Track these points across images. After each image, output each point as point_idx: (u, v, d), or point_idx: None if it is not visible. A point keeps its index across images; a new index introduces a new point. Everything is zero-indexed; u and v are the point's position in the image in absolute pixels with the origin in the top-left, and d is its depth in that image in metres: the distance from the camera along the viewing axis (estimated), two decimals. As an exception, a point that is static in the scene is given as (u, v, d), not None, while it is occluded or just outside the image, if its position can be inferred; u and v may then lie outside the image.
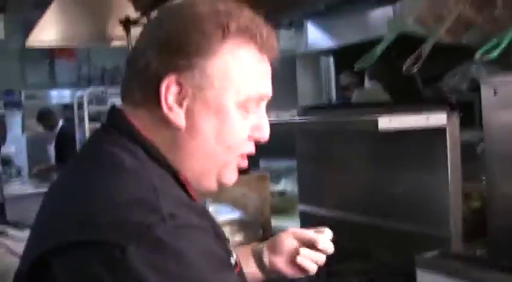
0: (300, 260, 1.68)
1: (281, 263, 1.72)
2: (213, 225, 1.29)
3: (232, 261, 1.33)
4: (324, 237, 1.71)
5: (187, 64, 1.28)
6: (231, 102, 1.31)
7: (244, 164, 1.41)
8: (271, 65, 1.40)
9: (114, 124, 1.36)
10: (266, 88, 1.37)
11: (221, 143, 1.32)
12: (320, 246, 1.69)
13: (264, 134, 1.39)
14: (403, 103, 2.71)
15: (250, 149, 1.39)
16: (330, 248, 1.71)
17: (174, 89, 1.28)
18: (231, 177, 1.39)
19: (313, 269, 1.71)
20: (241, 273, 1.39)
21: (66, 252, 1.12)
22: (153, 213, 1.11)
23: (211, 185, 1.38)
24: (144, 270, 1.06)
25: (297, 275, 1.74)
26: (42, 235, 1.23)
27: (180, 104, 1.29)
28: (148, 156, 1.30)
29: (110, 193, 1.17)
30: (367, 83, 5.92)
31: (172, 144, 1.32)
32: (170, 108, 1.29)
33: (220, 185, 1.39)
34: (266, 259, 1.73)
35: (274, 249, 1.73)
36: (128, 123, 1.33)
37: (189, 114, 1.30)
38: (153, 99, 1.29)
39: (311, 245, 1.70)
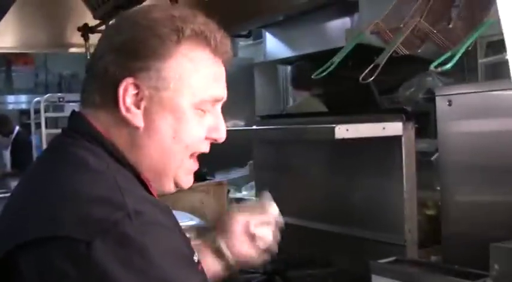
0: (253, 229, 1.74)
1: (238, 244, 1.75)
2: (177, 223, 1.32)
3: (196, 258, 1.35)
4: (269, 204, 1.81)
5: (143, 67, 1.32)
6: (186, 103, 1.36)
7: (196, 166, 1.45)
8: (226, 70, 1.46)
9: (75, 128, 1.40)
10: (221, 90, 1.43)
11: (178, 142, 1.37)
12: (270, 212, 1.79)
13: (221, 134, 1.44)
14: (360, 112, 2.73)
15: (206, 148, 1.44)
16: (276, 211, 1.82)
17: (131, 91, 1.33)
18: (186, 180, 1.44)
19: (269, 237, 1.77)
20: (203, 271, 1.40)
21: (33, 248, 1.14)
22: (119, 210, 1.14)
23: (169, 186, 1.43)
24: (109, 264, 1.08)
25: (257, 254, 1.77)
26: (7, 233, 1.23)
27: (138, 105, 1.34)
28: (110, 157, 1.33)
29: (75, 190, 1.20)
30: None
31: (132, 145, 1.36)
32: (128, 110, 1.34)
33: (177, 187, 1.44)
34: (223, 245, 1.75)
35: (224, 231, 1.77)
36: (89, 126, 1.37)
37: (146, 115, 1.34)
38: (112, 102, 1.34)
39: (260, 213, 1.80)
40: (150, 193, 1.38)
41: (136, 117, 1.34)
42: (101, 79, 1.36)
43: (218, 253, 1.75)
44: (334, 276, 2.61)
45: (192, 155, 1.42)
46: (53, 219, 1.16)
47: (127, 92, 1.33)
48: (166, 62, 1.33)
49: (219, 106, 1.45)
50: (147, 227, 1.15)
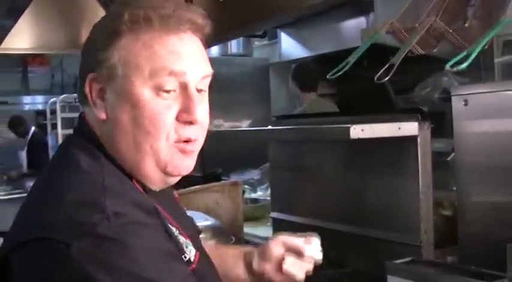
0: (285, 267, 1.70)
1: (269, 269, 1.73)
2: (163, 223, 1.32)
3: (187, 257, 1.35)
4: (311, 247, 1.73)
5: (96, 61, 1.36)
6: (140, 87, 1.33)
7: (188, 148, 1.39)
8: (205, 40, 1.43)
9: (77, 127, 1.45)
10: (177, 64, 1.34)
11: (138, 128, 1.33)
12: (306, 254, 1.71)
13: (192, 115, 1.35)
14: (375, 112, 2.72)
15: (183, 133, 1.37)
16: (317, 256, 1.73)
17: (94, 86, 1.36)
18: (176, 164, 1.38)
19: (299, 276, 1.72)
20: (198, 271, 1.39)
21: (22, 249, 1.20)
22: (98, 213, 1.17)
23: (156, 175, 1.39)
24: (87, 266, 1.11)
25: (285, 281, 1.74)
26: (9, 234, 1.29)
27: (102, 99, 1.36)
28: (105, 155, 1.36)
29: (62, 193, 1.24)
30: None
31: (108, 140, 1.38)
32: (95, 104, 1.37)
33: (169, 175, 1.40)
34: (255, 263, 1.74)
35: (263, 256, 1.75)
36: (86, 125, 1.41)
37: (108, 107, 1.36)
38: (86, 99, 1.39)
39: (299, 253, 1.72)
40: (145, 190, 1.39)
41: (100, 110, 1.37)
42: (80, 78, 1.41)
43: (250, 269, 1.76)
44: (349, 276, 2.60)
45: (176, 142, 1.36)
46: (39, 222, 1.21)
47: (92, 88, 1.37)
48: (110, 51, 1.34)
49: (190, 85, 1.37)
50: (125, 228, 1.17)
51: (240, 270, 1.76)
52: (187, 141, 1.38)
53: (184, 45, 1.36)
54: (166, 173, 1.39)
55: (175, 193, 1.71)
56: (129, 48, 1.33)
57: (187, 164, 1.40)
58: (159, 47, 1.34)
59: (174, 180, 1.44)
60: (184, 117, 1.35)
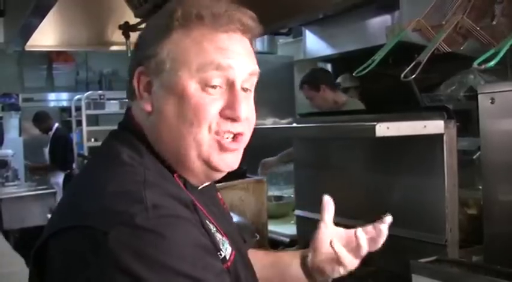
0: (335, 246, 1.70)
1: (321, 260, 1.75)
2: (200, 218, 1.33)
3: (222, 254, 1.36)
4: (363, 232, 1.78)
5: (147, 55, 1.39)
6: (187, 80, 1.35)
7: (230, 145, 1.40)
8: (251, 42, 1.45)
9: (122, 122, 1.49)
10: (224, 59, 1.36)
11: (182, 120, 1.35)
12: (358, 234, 1.76)
13: (235, 113, 1.37)
14: (400, 110, 2.71)
15: (226, 127, 1.38)
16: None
17: (142, 79, 1.40)
18: (219, 159, 1.40)
19: (349, 260, 1.73)
20: (233, 270, 1.39)
21: (59, 236, 1.23)
22: (137, 204, 1.19)
23: (198, 168, 1.40)
24: (124, 255, 1.13)
25: (337, 270, 1.74)
26: (49, 222, 1.33)
27: (149, 92, 1.39)
28: (147, 149, 1.39)
29: (102, 185, 1.26)
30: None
31: (152, 132, 1.41)
32: (141, 97, 1.41)
33: (212, 168, 1.41)
34: (309, 258, 1.76)
35: (314, 250, 1.77)
36: (130, 119, 1.45)
37: (154, 99, 1.39)
38: (134, 93, 1.42)
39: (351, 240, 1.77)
40: (185, 186, 1.40)
41: (146, 103, 1.40)
42: (129, 73, 1.45)
43: (303, 264, 1.78)
44: (373, 275, 2.59)
45: (216, 134, 1.38)
46: (78, 211, 1.24)
47: (139, 81, 1.41)
48: (161, 46, 1.37)
49: (236, 82, 1.39)
50: (163, 220, 1.19)
51: (295, 269, 1.79)
52: (230, 134, 1.39)
53: (232, 43, 1.39)
54: (209, 166, 1.40)
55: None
56: (179, 43, 1.37)
57: (230, 160, 1.42)
58: (208, 43, 1.36)
59: (217, 175, 1.45)
60: (228, 113, 1.37)
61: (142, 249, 1.14)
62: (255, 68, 1.43)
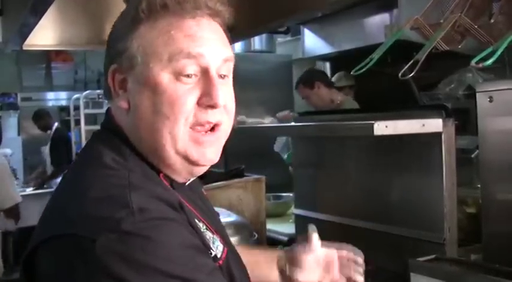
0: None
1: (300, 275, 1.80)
2: (188, 218, 1.31)
3: (213, 253, 1.35)
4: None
5: (117, 52, 1.37)
6: (159, 72, 1.31)
7: (206, 137, 1.36)
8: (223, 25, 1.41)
9: (103, 122, 1.46)
10: (194, 47, 1.33)
11: (158, 114, 1.31)
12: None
13: (213, 100, 1.32)
14: (399, 109, 2.71)
15: (204, 117, 1.34)
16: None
17: (117, 77, 1.37)
18: (199, 153, 1.36)
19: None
20: (225, 268, 1.39)
21: (47, 244, 1.21)
22: (123, 208, 1.17)
23: (178, 163, 1.37)
24: (113, 262, 1.11)
25: None
26: (36, 231, 1.30)
27: (125, 89, 1.37)
28: (131, 149, 1.36)
29: (85, 190, 1.24)
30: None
31: (131, 130, 1.37)
32: (117, 95, 1.38)
33: (192, 163, 1.37)
34: (288, 270, 1.81)
35: (293, 262, 1.81)
36: (111, 120, 1.42)
37: (130, 96, 1.36)
38: (110, 91, 1.40)
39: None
40: (171, 184, 1.38)
41: (122, 100, 1.37)
42: (104, 73, 1.42)
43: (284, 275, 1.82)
44: (372, 274, 2.59)
45: (192, 127, 1.34)
46: (64, 218, 1.23)
47: (114, 79, 1.38)
48: (129, 40, 1.34)
49: (211, 69, 1.34)
50: (150, 223, 1.17)
51: (275, 277, 1.81)
52: (209, 125, 1.36)
53: (201, 29, 1.35)
54: (188, 161, 1.36)
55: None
56: (146, 35, 1.33)
57: (208, 153, 1.37)
58: (175, 31, 1.33)
59: (198, 170, 1.41)
60: (205, 101, 1.33)
61: (131, 254, 1.12)
62: (228, 53, 1.39)
